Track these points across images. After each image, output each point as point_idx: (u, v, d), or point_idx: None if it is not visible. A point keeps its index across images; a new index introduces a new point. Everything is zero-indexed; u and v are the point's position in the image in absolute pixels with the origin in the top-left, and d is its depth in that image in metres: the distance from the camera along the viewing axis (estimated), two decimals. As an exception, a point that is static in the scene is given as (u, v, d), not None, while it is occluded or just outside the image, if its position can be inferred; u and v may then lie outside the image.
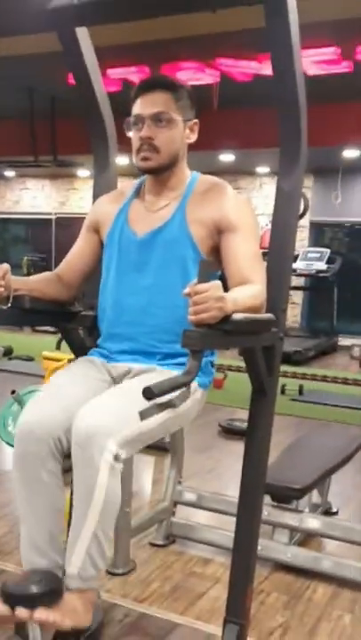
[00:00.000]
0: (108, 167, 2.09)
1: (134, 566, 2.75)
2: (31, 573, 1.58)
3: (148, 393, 1.33)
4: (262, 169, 10.55)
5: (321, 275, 9.02)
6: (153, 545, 2.97)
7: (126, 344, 1.80)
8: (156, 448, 4.26)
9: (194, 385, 1.77)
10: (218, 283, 1.44)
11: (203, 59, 6.12)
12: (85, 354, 1.98)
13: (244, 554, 1.87)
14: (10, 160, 10.15)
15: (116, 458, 1.51)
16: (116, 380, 1.78)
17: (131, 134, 1.80)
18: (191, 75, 6.10)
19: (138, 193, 1.90)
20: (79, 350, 1.99)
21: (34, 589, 1.49)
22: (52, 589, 1.51)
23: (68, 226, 12.42)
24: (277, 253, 1.81)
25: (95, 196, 2.06)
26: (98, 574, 1.59)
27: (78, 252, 1.94)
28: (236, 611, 1.87)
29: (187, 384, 1.40)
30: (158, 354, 1.77)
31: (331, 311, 9.78)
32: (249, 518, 1.86)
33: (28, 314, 1.78)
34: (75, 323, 1.96)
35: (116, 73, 6.41)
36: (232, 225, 1.74)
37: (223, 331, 1.48)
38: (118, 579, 2.65)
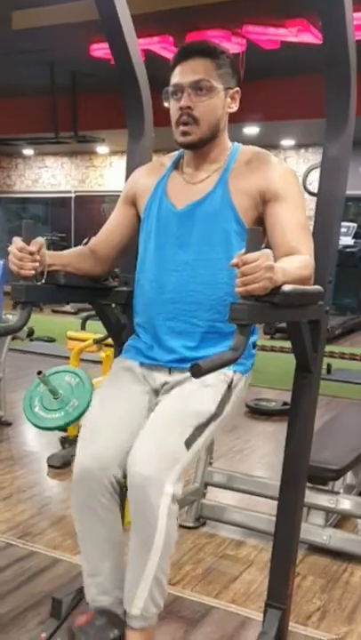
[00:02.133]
0: (143, 136, 1.99)
1: (166, 548, 2.70)
2: (96, 616, 1.62)
3: (197, 372, 1.24)
4: (287, 142, 10.35)
5: (348, 250, 8.84)
6: (183, 527, 2.91)
7: (166, 324, 1.71)
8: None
9: (237, 376, 1.70)
10: (268, 251, 1.35)
11: (229, 27, 5.94)
12: (120, 332, 1.91)
13: (286, 537, 1.80)
14: (30, 137, 10.05)
15: (174, 499, 1.53)
16: (156, 391, 1.73)
17: (169, 105, 1.69)
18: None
19: (176, 165, 1.80)
20: (113, 327, 1.91)
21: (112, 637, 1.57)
22: (118, 637, 1.58)
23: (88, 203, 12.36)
24: (324, 223, 1.72)
25: (129, 167, 1.96)
26: (159, 611, 1.61)
27: (113, 226, 1.85)
28: (278, 595, 1.80)
29: (234, 361, 1.32)
30: (198, 333, 1.69)
31: (358, 288, 9.60)
32: (291, 500, 1.79)
33: (62, 290, 1.69)
34: (109, 299, 1.88)
35: (138, 44, 6.24)
36: (278, 194, 1.64)
37: (271, 303, 1.39)
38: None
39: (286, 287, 1.39)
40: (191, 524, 2.92)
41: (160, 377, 1.73)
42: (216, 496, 2.99)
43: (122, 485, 1.63)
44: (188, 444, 1.55)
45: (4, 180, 13.59)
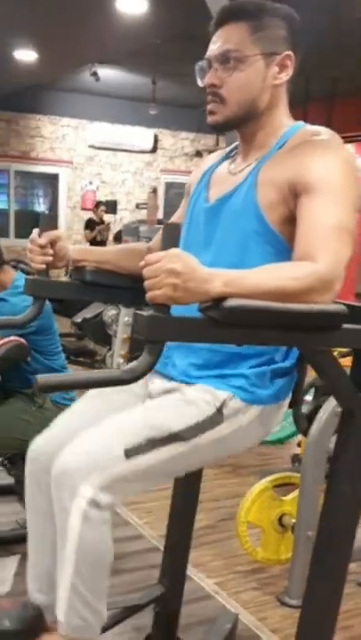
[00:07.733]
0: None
1: (315, 601, 2.32)
2: (21, 607, 1.47)
3: (37, 385, 1.04)
4: None
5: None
6: (360, 585, 2.47)
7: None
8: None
9: (233, 402, 1.36)
10: (174, 251, 1.08)
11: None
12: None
13: None
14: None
15: (93, 503, 1.26)
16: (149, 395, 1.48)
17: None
18: None
19: (232, 152, 1.53)
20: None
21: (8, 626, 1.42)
22: (28, 628, 1.43)
23: None
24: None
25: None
26: (89, 626, 1.34)
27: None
28: None
29: (115, 383, 1.06)
30: (204, 350, 1.40)
31: None
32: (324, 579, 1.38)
33: (92, 288, 1.57)
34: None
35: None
36: (312, 186, 1.25)
37: (211, 319, 1.10)
38: (284, 610, 2.28)
39: (231, 302, 1.09)
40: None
41: (157, 382, 1.47)
42: None
43: None
44: (129, 453, 1.28)
45: None
